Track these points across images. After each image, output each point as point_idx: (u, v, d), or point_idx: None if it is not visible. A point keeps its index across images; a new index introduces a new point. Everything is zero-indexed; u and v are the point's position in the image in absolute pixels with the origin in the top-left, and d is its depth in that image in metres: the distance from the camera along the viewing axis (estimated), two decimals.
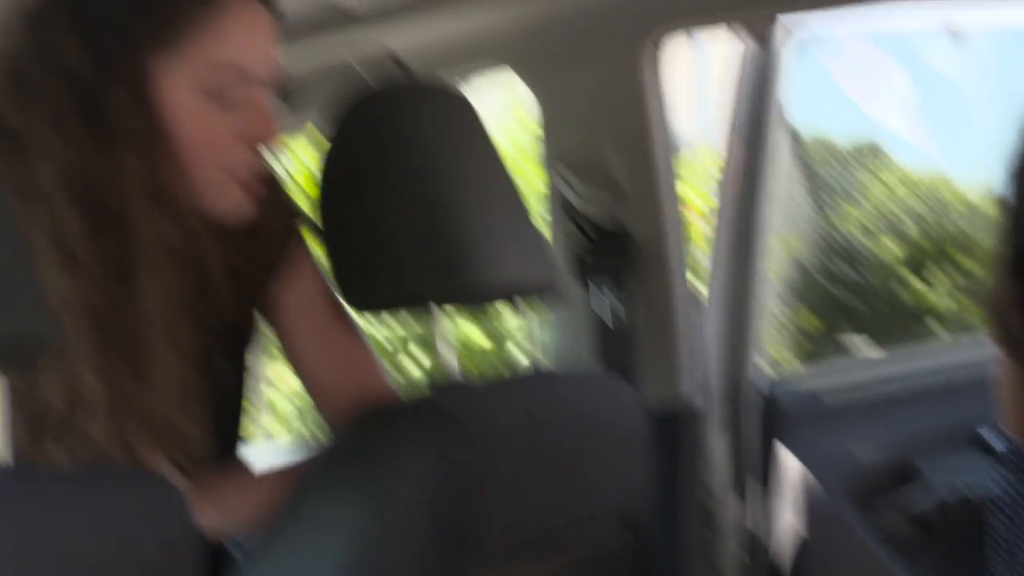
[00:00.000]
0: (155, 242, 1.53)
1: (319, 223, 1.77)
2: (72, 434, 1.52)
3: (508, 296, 1.81)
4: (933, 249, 6.36)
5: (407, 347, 8.85)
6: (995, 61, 5.28)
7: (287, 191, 1.79)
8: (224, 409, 1.76)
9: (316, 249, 1.82)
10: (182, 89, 1.55)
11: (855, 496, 2.50)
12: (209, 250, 1.64)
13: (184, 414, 1.57)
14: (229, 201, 1.63)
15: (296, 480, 1.64)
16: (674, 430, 2.32)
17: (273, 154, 1.68)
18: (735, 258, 2.54)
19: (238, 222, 1.67)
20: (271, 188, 1.75)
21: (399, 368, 8.99)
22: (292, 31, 2.27)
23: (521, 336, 9.49)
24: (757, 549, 2.51)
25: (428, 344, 8.89)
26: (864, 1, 2.20)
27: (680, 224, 2.34)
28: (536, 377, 1.81)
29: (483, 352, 8.85)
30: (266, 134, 1.61)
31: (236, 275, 1.72)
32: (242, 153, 1.60)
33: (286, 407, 7.82)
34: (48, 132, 1.50)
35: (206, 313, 1.68)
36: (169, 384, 1.55)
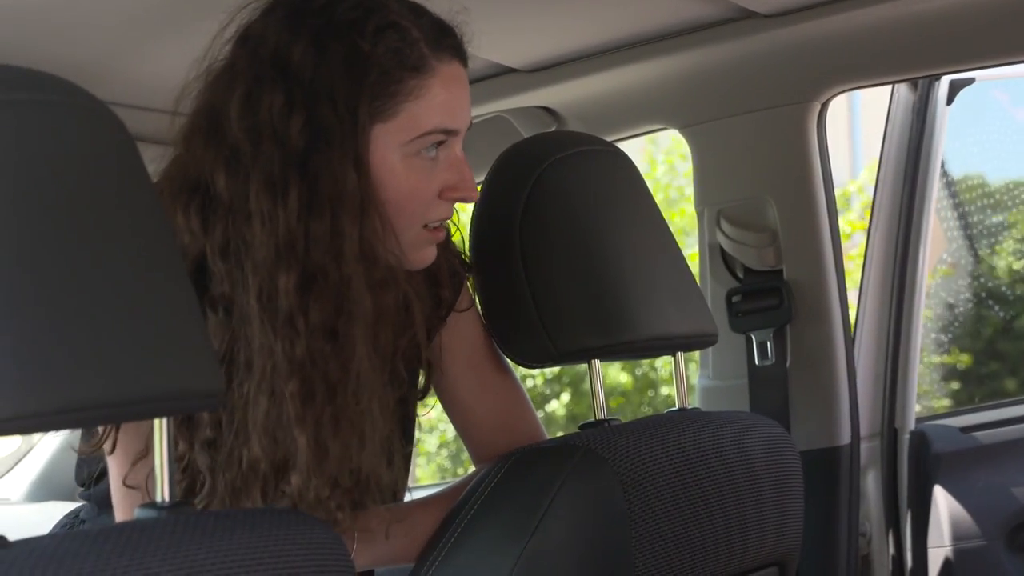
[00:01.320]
0: (366, 301, 1.55)
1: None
2: (275, 490, 1.56)
3: (665, 351, 1.83)
4: None
5: (560, 393, 8.85)
6: None
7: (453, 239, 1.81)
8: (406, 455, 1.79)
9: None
10: (394, 154, 1.57)
11: (1009, 536, 2.46)
12: (413, 304, 1.66)
13: (384, 465, 1.59)
14: (424, 253, 1.65)
15: (450, 516, 1.67)
16: (828, 471, 2.30)
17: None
18: (888, 298, 2.53)
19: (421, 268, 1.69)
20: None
21: (546, 407, 8.99)
22: None
23: (668, 375, 9.45)
24: None
25: (574, 383, 8.89)
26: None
27: (841, 270, 2.34)
28: (684, 417, 1.82)
29: (626, 392, 8.82)
30: (466, 189, 1.62)
31: (424, 324, 1.73)
32: (442, 208, 1.62)
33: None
34: (262, 198, 1.53)
35: (402, 365, 1.70)
36: (372, 437, 1.57)
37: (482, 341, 1.83)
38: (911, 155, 2.51)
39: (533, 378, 8.99)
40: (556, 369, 8.98)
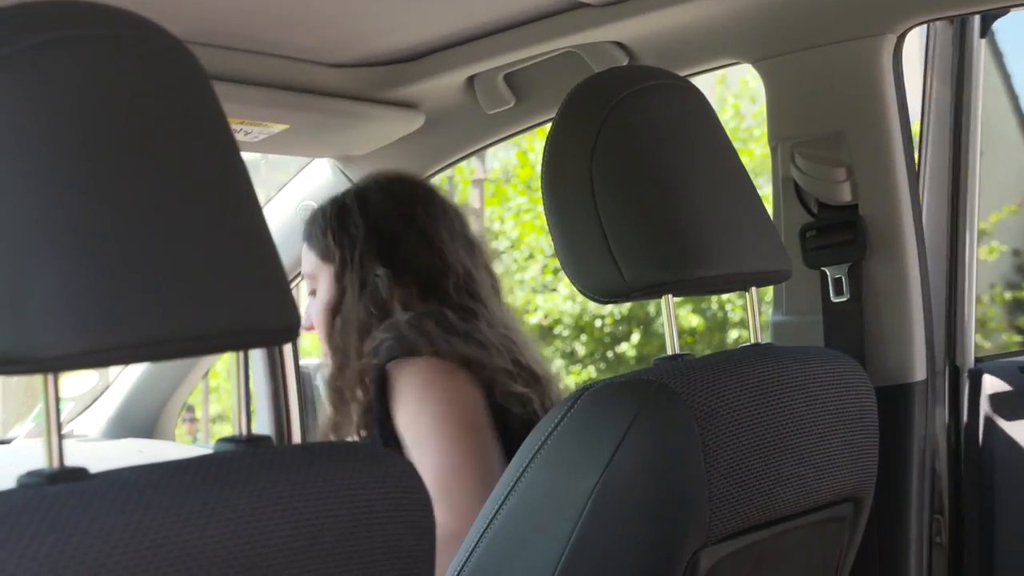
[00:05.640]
0: None
1: (545, 211, 1.79)
2: None
3: (738, 286, 1.82)
4: None
5: (629, 334, 8.84)
6: None
7: None
8: None
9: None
10: None
11: None
12: None
13: None
14: None
15: (524, 450, 1.67)
16: (902, 408, 2.28)
17: None
18: (943, 237, 2.50)
19: None
20: None
21: (616, 348, 9.00)
22: (523, 20, 2.30)
23: (738, 319, 9.43)
24: (968, 526, 2.46)
25: (643, 323, 8.87)
26: None
27: (917, 205, 2.30)
28: (758, 353, 1.81)
29: (697, 332, 8.80)
30: None
31: None
32: None
33: None
34: None
35: None
36: None
37: None
38: (955, 91, 2.47)
39: (603, 319, 9.01)
40: (625, 310, 8.99)
